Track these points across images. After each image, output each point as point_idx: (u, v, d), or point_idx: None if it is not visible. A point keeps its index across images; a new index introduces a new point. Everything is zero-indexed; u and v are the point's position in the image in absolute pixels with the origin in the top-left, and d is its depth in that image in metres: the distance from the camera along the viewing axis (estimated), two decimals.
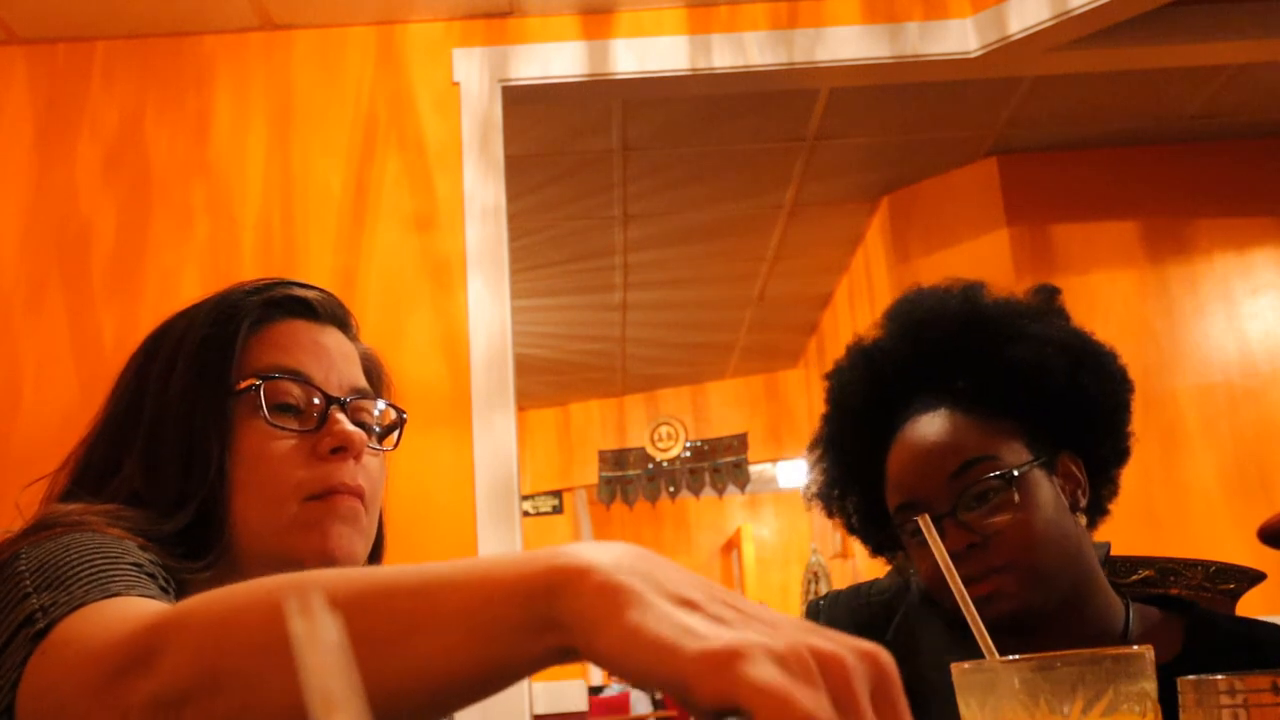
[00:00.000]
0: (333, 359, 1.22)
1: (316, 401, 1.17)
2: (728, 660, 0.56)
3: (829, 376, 1.62)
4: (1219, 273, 5.26)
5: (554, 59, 3.75)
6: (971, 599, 1.35)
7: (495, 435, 3.41)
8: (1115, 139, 5.29)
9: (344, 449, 1.15)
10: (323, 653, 0.40)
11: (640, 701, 12.65)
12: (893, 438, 1.47)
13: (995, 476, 1.38)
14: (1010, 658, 0.79)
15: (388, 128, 3.68)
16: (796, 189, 5.69)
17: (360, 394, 1.23)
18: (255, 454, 1.13)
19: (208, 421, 1.13)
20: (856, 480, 1.54)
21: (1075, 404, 1.46)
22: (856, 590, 1.64)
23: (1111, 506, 1.52)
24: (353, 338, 1.28)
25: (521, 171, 4.88)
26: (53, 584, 0.89)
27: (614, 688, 12.69)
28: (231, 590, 0.75)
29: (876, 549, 1.61)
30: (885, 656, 0.60)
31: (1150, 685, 0.77)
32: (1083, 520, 1.45)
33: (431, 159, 3.66)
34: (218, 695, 0.72)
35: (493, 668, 0.67)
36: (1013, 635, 1.41)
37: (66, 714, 0.79)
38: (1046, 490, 1.40)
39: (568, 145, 5.01)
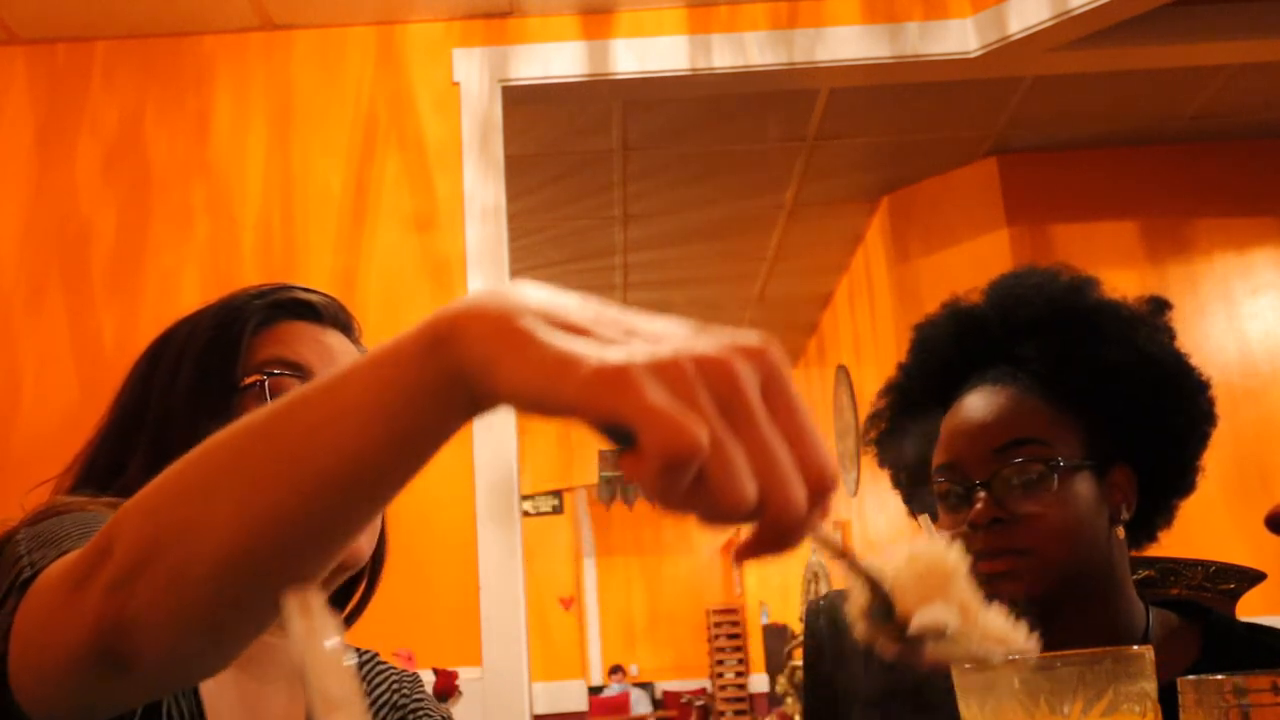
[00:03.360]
0: (335, 358, 1.23)
1: None
2: (613, 380, 0.57)
3: (917, 328, 1.60)
4: (1219, 273, 5.26)
5: (554, 59, 3.75)
6: (983, 573, 1.35)
7: (495, 435, 3.41)
8: (1115, 139, 5.29)
9: None
10: (323, 653, 0.40)
11: (640, 702, 12.66)
12: (956, 400, 1.46)
13: (1039, 461, 1.37)
14: (1010, 657, 0.79)
15: (388, 128, 3.68)
16: (796, 189, 5.69)
17: None
18: None
19: (214, 418, 1.14)
20: (914, 433, 1.54)
21: (1146, 421, 1.43)
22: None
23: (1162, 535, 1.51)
24: (355, 341, 1.29)
25: (521, 171, 4.88)
26: (44, 545, 0.90)
27: (614, 688, 12.70)
28: (166, 469, 0.77)
29: (915, 510, 1.60)
30: (772, 350, 0.62)
31: (1150, 685, 0.77)
32: (1120, 532, 1.43)
33: (431, 159, 3.66)
34: (160, 556, 0.73)
35: (406, 440, 0.68)
36: (1019, 619, 1.41)
37: (45, 639, 0.80)
38: (1088, 492, 1.39)
39: (568, 145, 5.01)
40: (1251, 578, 1.64)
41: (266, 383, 1.17)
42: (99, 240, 3.55)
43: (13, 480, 3.47)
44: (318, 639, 0.41)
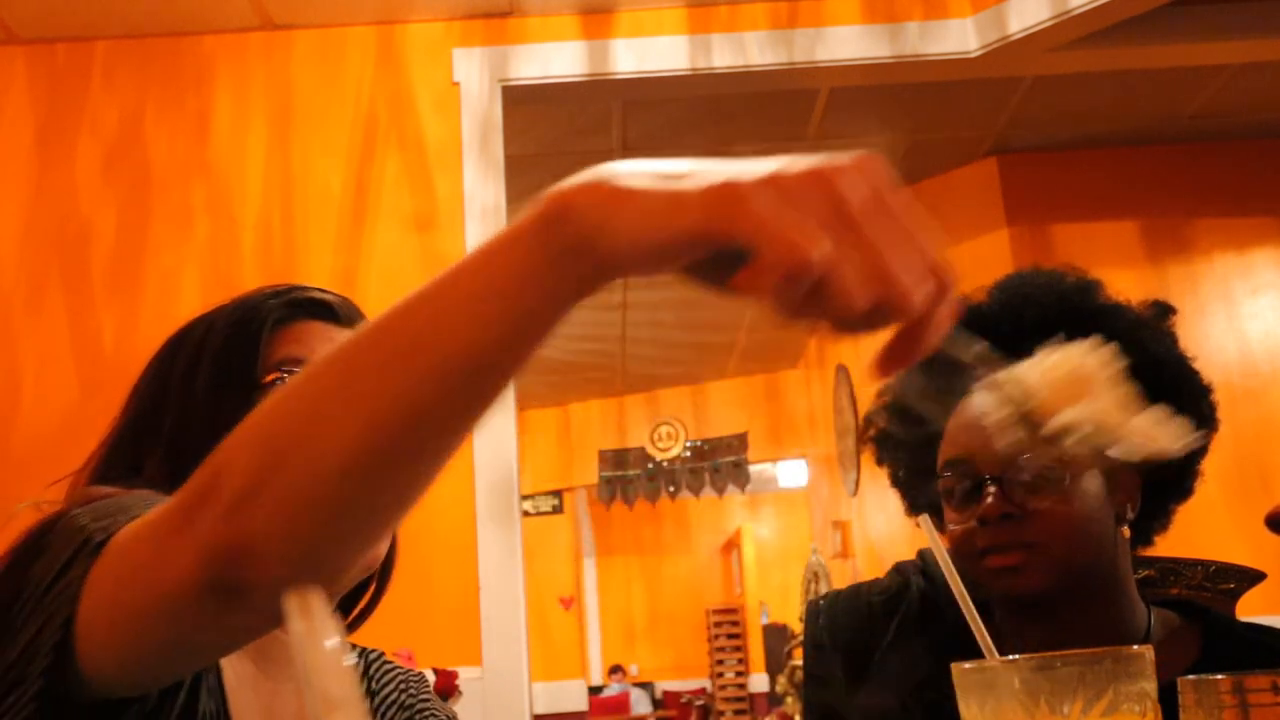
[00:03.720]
0: None
1: None
2: (725, 198, 0.62)
3: None
4: (1219, 273, 5.26)
5: (554, 59, 3.75)
6: (992, 569, 1.36)
7: (495, 435, 3.41)
8: (1115, 139, 5.29)
9: None
10: (323, 653, 0.40)
11: (640, 702, 12.66)
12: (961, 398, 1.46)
13: (1049, 457, 1.37)
14: (1010, 658, 0.79)
15: (388, 128, 3.68)
16: None
17: None
18: None
19: (233, 416, 1.14)
20: (915, 432, 1.54)
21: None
22: (856, 590, 1.64)
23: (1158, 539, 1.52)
24: None
25: (521, 171, 4.87)
26: (107, 514, 0.90)
27: (614, 687, 12.70)
28: (268, 396, 0.78)
29: (913, 507, 1.60)
30: (875, 162, 0.65)
31: (1150, 685, 0.77)
32: (1126, 532, 1.44)
33: (431, 159, 3.66)
34: (280, 472, 0.74)
35: (526, 320, 0.70)
36: (1024, 616, 1.41)
37: (135, 591, 0.80)
38: (1096, 489, 1.40)
39: (568, 145, 5.02)
40: (1251, 577, 1.64)
41: (286, 380, 1.17)
42: (99, 240, 3.55)
43: (13, 480, 3.48)
44: (318, 639, 0.41)
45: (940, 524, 1.56)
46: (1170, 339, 1.50)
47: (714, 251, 0.63)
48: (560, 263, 0.68)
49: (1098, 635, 1.39)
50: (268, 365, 1.18)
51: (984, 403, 1.42)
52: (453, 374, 0.72)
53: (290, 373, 1.18)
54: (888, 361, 0.65)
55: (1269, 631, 1.45)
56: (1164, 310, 1.54)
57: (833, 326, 0.62)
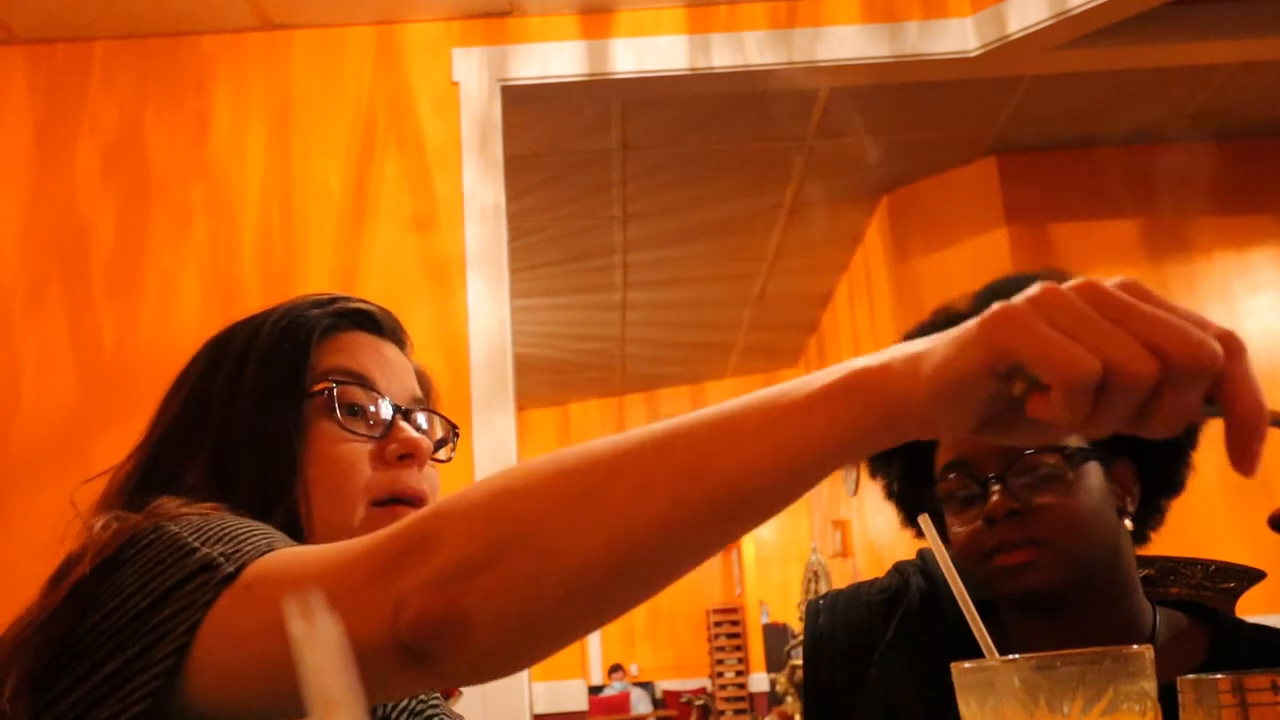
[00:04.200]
0: (394, 369, 1.25)
1: (383, 408, 1.19)
2: (1002, 317, 0.66)
3: (908, 336, 1.60)
4: (1218, 271, 5.26)
5: (553, 59, 3.75)
6: (1002, 567, 1.35)
7: (495, 435, 3.41)
8: (1114, 138, 5.29)
9: (411, 455, 1.18)
10: (322, 653, 0.40)
11: (640, 701, 12.66)
12: None
13: (1053, 450, 1.37)
14: (1010, 657, 0.79)
15: (387, 128, 3.68)
16: (796, 188, 5.69)
17: (420, 405, 1.26)
18: (327, 456, 1.15)
19: (284, 423, 1.14)
20: (917, 466, 1.53)
21: None
22: (856, 590, 1.64)
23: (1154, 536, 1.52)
24: (408, 354, 1.31)
25: (521, 171, 4.88)
26: (221, 539, 0.89)
27: (615, 686, 12.69)
28: (493, 477, 0.79)
29: (910, 518, 1.60)
30: (1131, 278, 0.67)
31: (1150, 685, 0.77)
32: (1128, 524, 1.44)
33: (431, 159, 3.66)
34: (511, 557, 0.75)
35: (814, 473, 0.74)
36: (1033, 615, 1.41)
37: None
38: (1098, 482, 1.40)
39: (567, 145, 5.02)
40: (1252, 576, 1.64)
41: (335, 390, 1.17)
42: (98, 240, 3.55)
43: (13, 479, 3.48)
44: (317, 639, 0.41)
45: (942, 530, 1.56)
46: None
47: (1001, 384, 0.67)
48: (866, 423, 0.72)
49: (1106, 633, 1.39)
50: (316, 375, 1.18)
51: None
52: (724, 504, 0.74)
53: (340, 382, 1.17)
54: (1243, 456, 0.65)
55: (1278, 634, 1.45)
56: None
57: (1129, 425, 0.65)
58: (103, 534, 0.95)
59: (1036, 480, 1.37)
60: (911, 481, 1.56)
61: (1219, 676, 0.77)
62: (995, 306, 0.67)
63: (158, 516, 0.96)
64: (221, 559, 0.86)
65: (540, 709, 7.70)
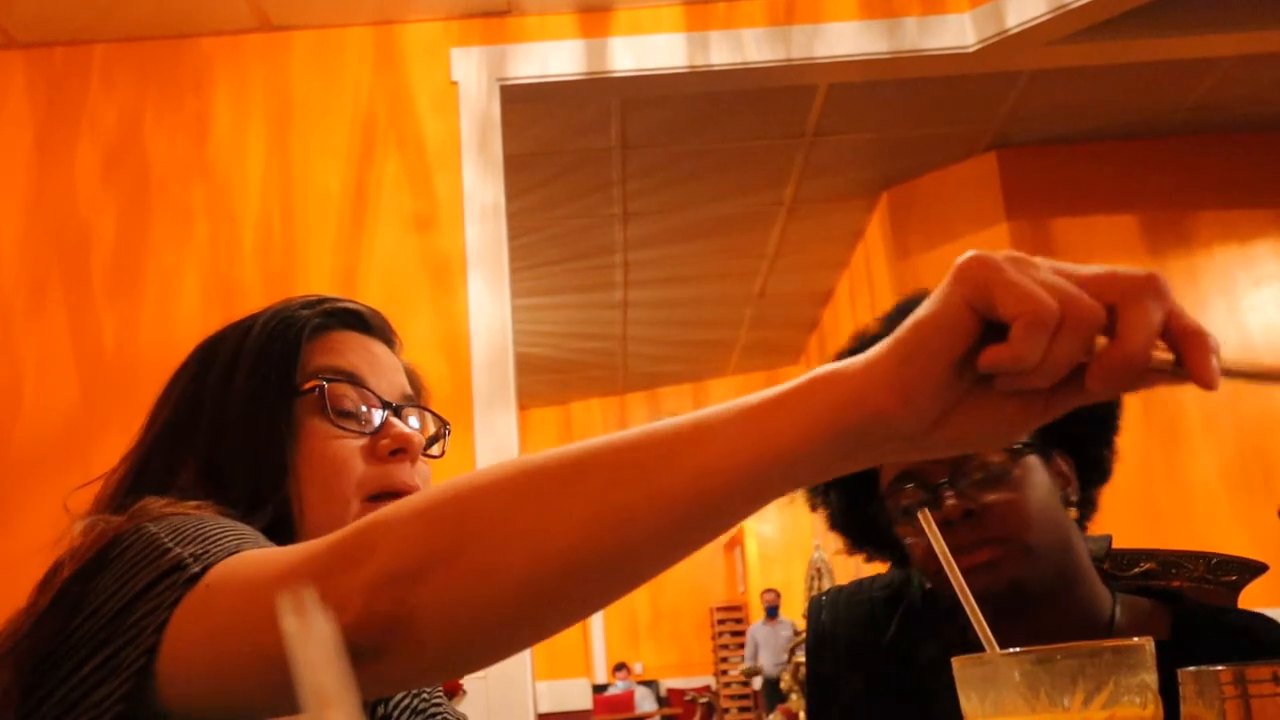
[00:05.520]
0: (384, 367, 1.25)
1: (373, 405, 1.20)
2: (976, 260, 0.69)
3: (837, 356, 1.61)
4: (1220, 265, 5.26)
5: (552, 58, 3.75)
6: (966, 569, 1.36)
7: (497, 435, 3.41)
8: (1114, 132, 5.29)
9: (403, 450, 1.18)
10: (315, 648, 0.40)
11: (645, 700, 12.67)
12: None
13: (999, 450, 1.39)
14: (1010, 650, 0.79)
15: (386, 128, 3.68)
16: (796, 185, 5.69)
17: (411, 402, 1.27)
18: (319, 454, 1.16)
19: (275, 422, 1.15)
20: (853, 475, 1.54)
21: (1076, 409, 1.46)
22: (858, 585, 1.64)
23: (1089, 525, 1.53)
24: (397, 352, 1.31)
25: (520, 170, 4.88)
26: (194, 540, 0.89)
27: (619, 685, 12.70)
28: (445, 482, 0.79)
29: (856, 544, 1.61)
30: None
31: (1150, 677, 0.77)
32: (1074, 514, 1.46)
33: (430, 159, 3.66)
34: (461, 556, 0.74)
35: (784, 480, 0.74)
36: (1000, 615, 1.42)
37: (254, 630, 0.79)
38: (1041, 475, 1.42)
39: (566, 144, 5.02)
40: (1253, 569, 1.64)
41: (326, 388, 1.17)
42: (99, 242, 3.56)
43: (15, 481, 3.47)
44: (310, 635, 0.41)
45: (884, 552, 1.56)
46: None
47: (977, 337, 0.69)
48: (827, 418, 0.72)
49: (1065, 625, 1.40)
50: (306, 373, 1.19)
51: None
52: (686, 502, 0.73)
53: (331, 380, 1.18)
54: (1098, 378, 0.70)
55: (1239, 614, 1.46)
56: None
57: (1118, 365, 0.69)
58: (85, 537, 0.96)
59: (985, 480, 1.38)
60: (855, 503, 1.56)
61: (1220, 668, 0.77)
62: (971, 256, 0.70)
63: (141, 517, 0.96)
64: (190, 559, 0.86)
65: (545, 708, 7.70)
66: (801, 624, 7.46)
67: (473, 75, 3.72)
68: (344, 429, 1.17)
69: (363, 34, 3.75)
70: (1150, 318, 0.69)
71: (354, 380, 1.20)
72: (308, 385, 1.18)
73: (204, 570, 0.85)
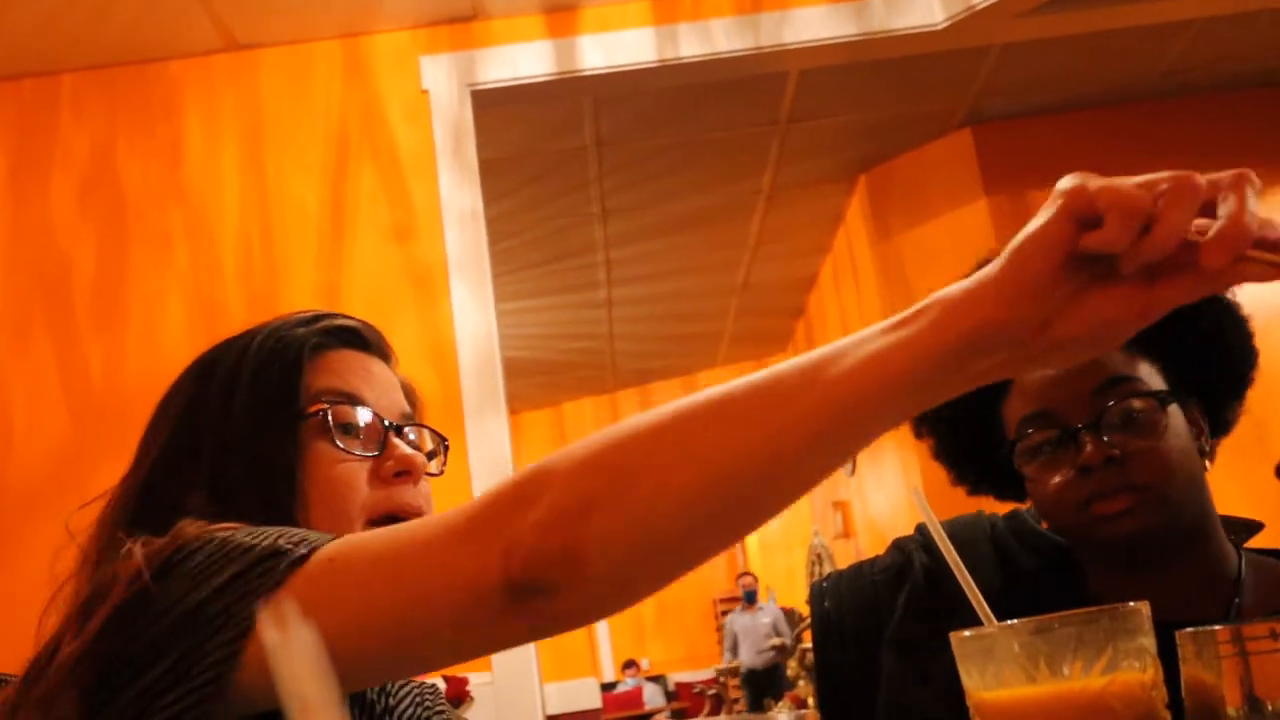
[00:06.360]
0: (384, 386, 1.25)
1: (375, 426, 1.20)
2: (1073, 181, 0.78)
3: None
4: None
5: (521, 60, 3.75)
6: (1102, 515, 1.35)
7: (489, 440, 3.41)
8: (1088, 101, 5.30)
9: (407, 472, 1.19)
10: (298, 660, 0.40)
11: (654, 696, 12.67)
12: None
13: (1144, 395, 1.37)
14: (1008, 623, 0.79)
15: (360, 140, 3.68)
16: (773, 173, 5.69)
17: (410, 420, 1.26)
18: (325, 477, 1.15)
19: (280, 444, 1.15)
20: (968, 405, 1.51)
21: (1212, 358, 1.46)
22: (859, 569, 1.64)
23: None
24: (393, 368, 1.31)
25: (497, 175, 4.88)
26: (278, 536, 0.91)
27: (628, 682, 12.71)
28: (595, 436, 0.83)
29: (963, 476, 1.58)
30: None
31: (1149, 641, 0.77)
32: (1207, 464, 1.44)
33: (406, 168, 3.66)
34: (622, 494, 0.79)
35: (892, 385, 0.78)
36: (1133, 567, 1.40)
37: (408, 587, 0.83)
38: (1182, 423, 1.40)
39: (541, 145, 5.01)
40: (1249, 528, 1.65)
41: (330, 411, 1.17)
42: (79, 272, 3.55)
43: (10, 514, 3.46)
44: (292, 645, 0.41)
45: (1003, 488, 1.54)
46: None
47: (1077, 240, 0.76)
48: (942, 331, 0.77)
49: (1195, 579, 1.38)
50: (309, 395, 1.18)
51: None
52: (823, 424, 0.79)
53: (334, 403, 1.17)
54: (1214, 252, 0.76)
55: None
56: None
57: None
58: (141, 551, 0.95)
59: (1128, 426, 1.36)
60: (971, 434, 1.54)
61: (1217, 628, 0.77)
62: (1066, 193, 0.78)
63: (185, 536, 0.96)
64: (289, 546, 0.88)
65: (554, 709, 7.70)
66: (806, 610, 7.47)
67: (443, 82, 3.71)
68: (349, 452, 1.17)
69: (331, 48, 3.74)
70: (1247, 199, 0.78)
71: (356, 401, 1.20)
72: (312, 409, 1.17)
73: (311, 552, 0.87)
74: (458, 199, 3.62)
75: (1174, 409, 1.39)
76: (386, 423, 1.20)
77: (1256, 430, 5.32)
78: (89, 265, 3.56)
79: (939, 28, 3.79)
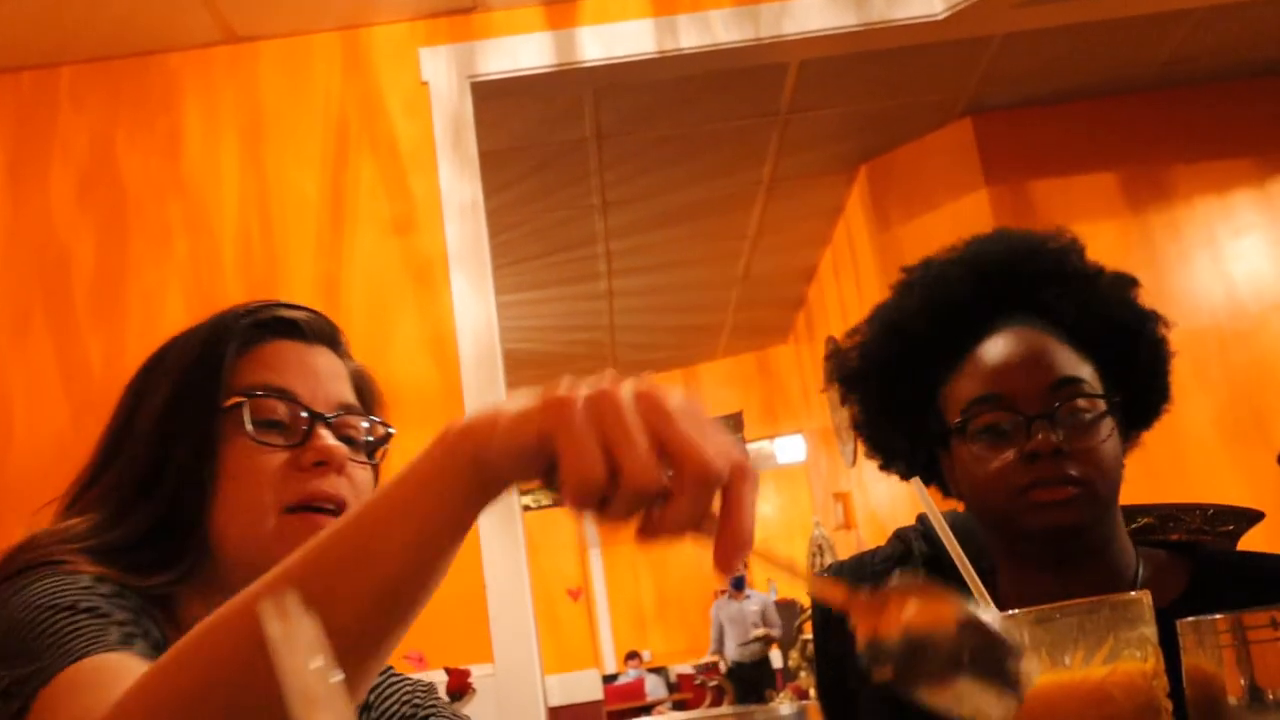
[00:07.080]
0: (319, 377, 1.24)
1: (303, 417, 1.20)
2: (556, 408, 0.73)
3: (915, 269, 1.60)
4: (1201, 217, 5.27)
5: (521, 51, 3.74)
6: (1040, 502, 1.38)
7: None
8: (1089, 91, 5.29)
9: (325, 463, 1.18)
10: (301, 653, 0.40)
11: (656, 688, 12.69)
12: (961, 357, 1.46)
13: (1093, 398, 1.42)
14: (1010, 612, 0.79)
15: (359, 132, 3.67)
16: (773, 164, 5.68)
17: (347, 410, 1.25)
18: (240, 469, 1.16)
19: (185, 437, 1.16)
20: (912, 370, 1.52)
21: (1139, 370, 1.51)
22: (860, 560, 1.64)
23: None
24: (343, 355, 1.30)
25: (497, 167, 4.87)
26: (17, 655, 0.95)
27: (630, 674, 12.72)
28: (175, 646, 0.80)
29: (877, 449, 1.59)
30: (655, 391, 0.76)
31: (1150, 630, 0.77)
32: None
33: (405, 160, 3.65)
34: (203, 705, 0.76)
35: (444, 537, 0.78)
36: (1053, 564, 1.43)
37: None
38: (1114, 429, 1.44)
39: (541, 137, 5.01)
40: (1250, 517, 1.65)
41: (247, 405, 1.17)
42: (79, 265, 3.55)
43: (9, 508, 3.47)
44: (294, 641, 0.40)
45: (929, 473, 1.55)
46: (1127, 302, 1.54)
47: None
48: (466, 475, 0.76)
49: (1097, 579, 1.41)
50: (231, 389, 1.18)
51: (1016, 344, 1.44)
52: (385, 590, 0.78)
53: (254, 396, 1.18)
54: (726, 565, 0.78)
55: (1259, 557, 1.47)
56: (1126, 280, 1.57)
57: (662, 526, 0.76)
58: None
59: (1076, 424, 1.40)
60: (884, 410, 1.55)
61: (1218, 616, 0.77)
62: (556, 393, 0.74)
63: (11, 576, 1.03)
64: (13, 688, 0.93)
65: (556, 701, 7.71)
66: (807, 602, 7.46)
67: (443, 74, 3.71)
68: (266, 443, 1.17)
69: (330, 40, 3.74)
70: (749, 513, 0.78)
71: (281, 394, 1.20)
72: (229, 402, 1.18)
73: (23, 708, 0.92)
74: (457, 191, 3.61)
75: (1113, 417, 1.44)
76: (307, 413, 1.20)
77: (1257, 419, 5.30)
78: (88, 258, 3.55)
79: (939, 18, 3.78)
